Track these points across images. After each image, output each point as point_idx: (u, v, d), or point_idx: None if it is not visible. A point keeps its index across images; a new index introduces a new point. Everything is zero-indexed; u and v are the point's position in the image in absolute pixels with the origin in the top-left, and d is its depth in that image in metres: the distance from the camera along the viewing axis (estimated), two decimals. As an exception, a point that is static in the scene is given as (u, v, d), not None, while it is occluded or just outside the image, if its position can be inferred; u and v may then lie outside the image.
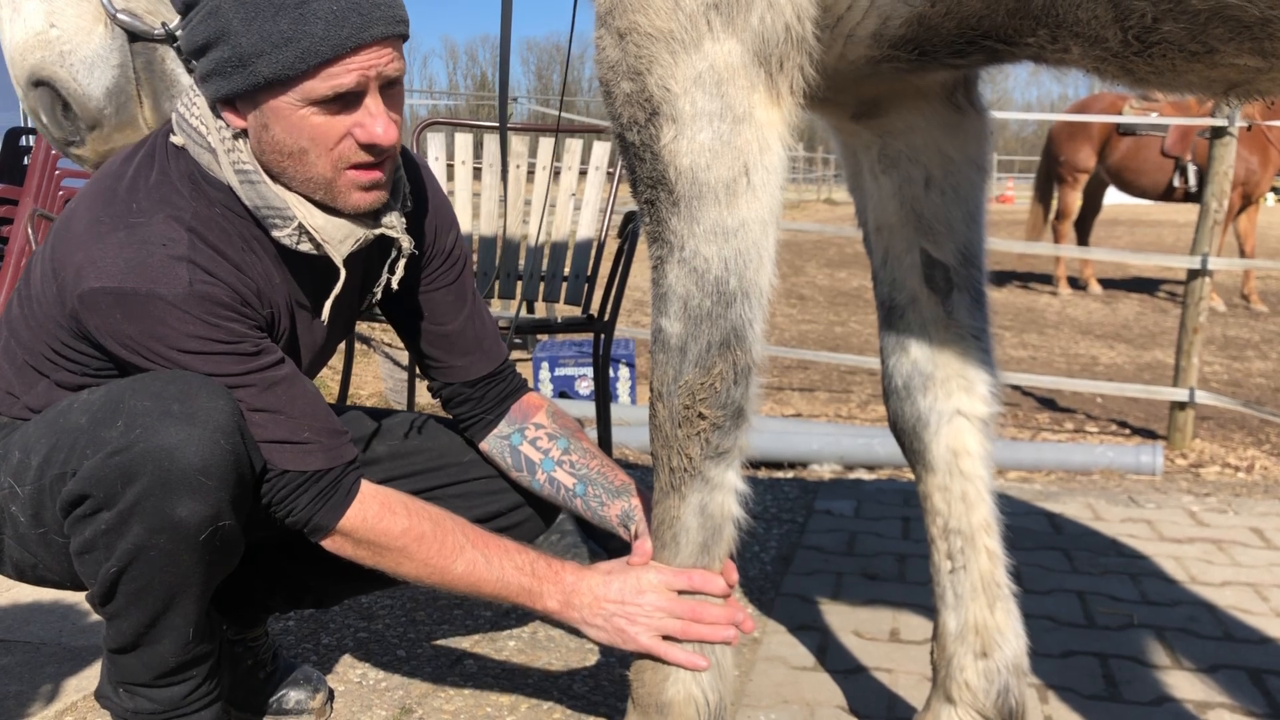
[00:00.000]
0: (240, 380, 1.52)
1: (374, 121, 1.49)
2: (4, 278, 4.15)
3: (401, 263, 1.67)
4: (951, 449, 1.78)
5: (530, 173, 3.67)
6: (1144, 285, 11.37)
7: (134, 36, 1.74)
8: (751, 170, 1.50)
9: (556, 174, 3.58)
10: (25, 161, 4.92)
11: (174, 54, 1.76)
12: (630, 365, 5.77)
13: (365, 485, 1.61)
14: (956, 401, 1.79)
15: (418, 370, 1.97)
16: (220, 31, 1.44)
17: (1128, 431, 5.37)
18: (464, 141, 3.62)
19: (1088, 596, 2.73)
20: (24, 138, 5.02)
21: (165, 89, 1.80)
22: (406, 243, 1.65)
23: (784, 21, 1.45)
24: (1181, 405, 4.88)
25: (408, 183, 1.71)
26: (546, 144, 3.61)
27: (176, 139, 1.58)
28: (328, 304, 1.64)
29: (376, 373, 6.11)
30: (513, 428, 1.89)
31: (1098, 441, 5.10)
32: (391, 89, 1.53)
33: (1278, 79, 1.30)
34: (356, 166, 1.53)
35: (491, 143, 3.81)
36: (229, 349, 1.51)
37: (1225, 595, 2.74)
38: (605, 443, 3.35)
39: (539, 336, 5.86)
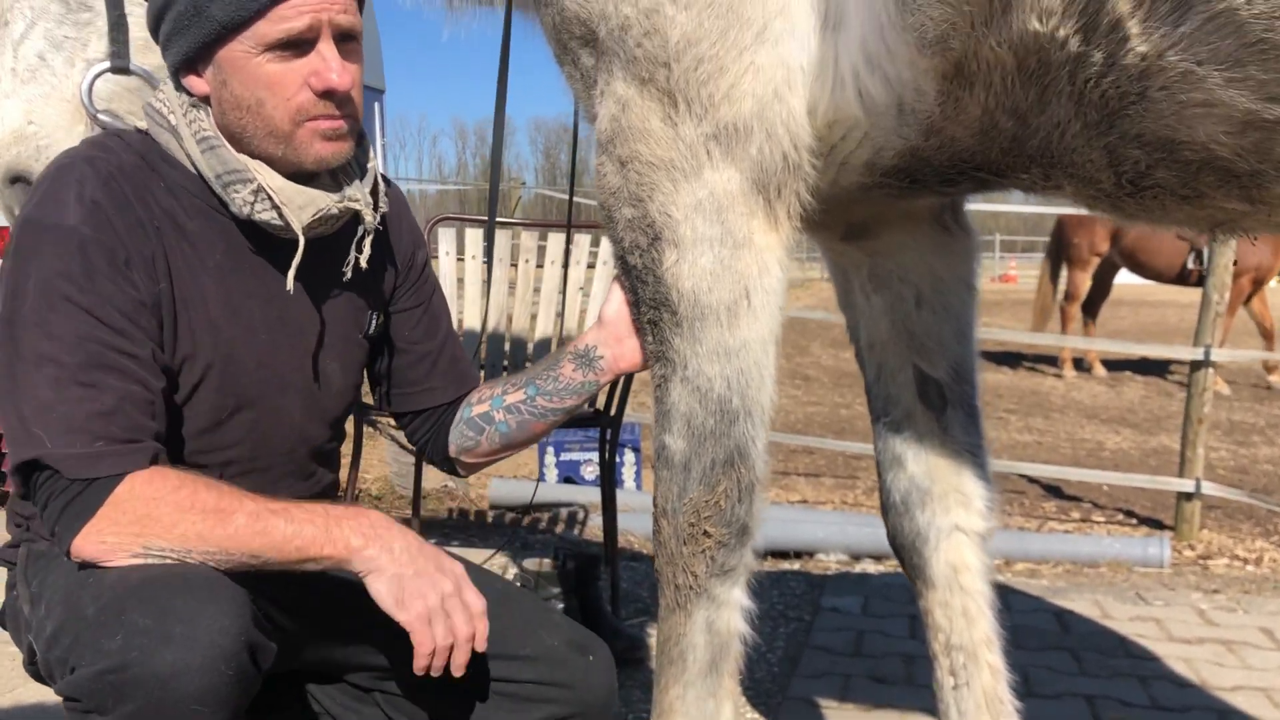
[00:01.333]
0: (67, 344, 1.40)
1: (328, 68, 1.48)
2: None
3: (368, 240, 1.61)
4: (951, 564, 1.80)
5: (539, 266, 3.72)
6: (1149, 367, 11.39)
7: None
8: (752, 293, 1.54)
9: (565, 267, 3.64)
10: None
11: None
12: (635, 450, 5.77)
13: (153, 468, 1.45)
14: (955, 517, 1.81)
15: (388, 408, 1.90)
16: None
17: (1134, 521, 5.35)
18: (474, 236, 3.68)
19: (1097, 701, 2.71)
20: None
21: None
22: (370, 217, 1.60)
23: (781, 151, 1.50)
24: (1188, 496, 4.87)
25: (384, 185, 1.68)
26: (556, 236, 3.67)
27: (141, 124, 1.59)
28: (290, 274, 1.54)
29: (382, 456, 6.12)
30: (484, 408, 1.83)
31: (1105, 532, 5.07)
32: (348, 43, 1.52)
33: (1262, 220, 1.34)
34: (317, 117, 1.50)
35: (502, 236, 3.87)
36: (87, 305, 1.41)
37: (1237, 699, 2.72)
38: (611, 532, 3.36)
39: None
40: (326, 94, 1.49)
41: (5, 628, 1.65)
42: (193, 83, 1.53)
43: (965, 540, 1.81)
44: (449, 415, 1.84)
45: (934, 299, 1.80)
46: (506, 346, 3.58)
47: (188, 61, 1.51)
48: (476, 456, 1.84)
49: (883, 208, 1.74)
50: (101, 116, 1.74)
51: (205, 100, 1.53)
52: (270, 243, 1.57)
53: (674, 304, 1.55)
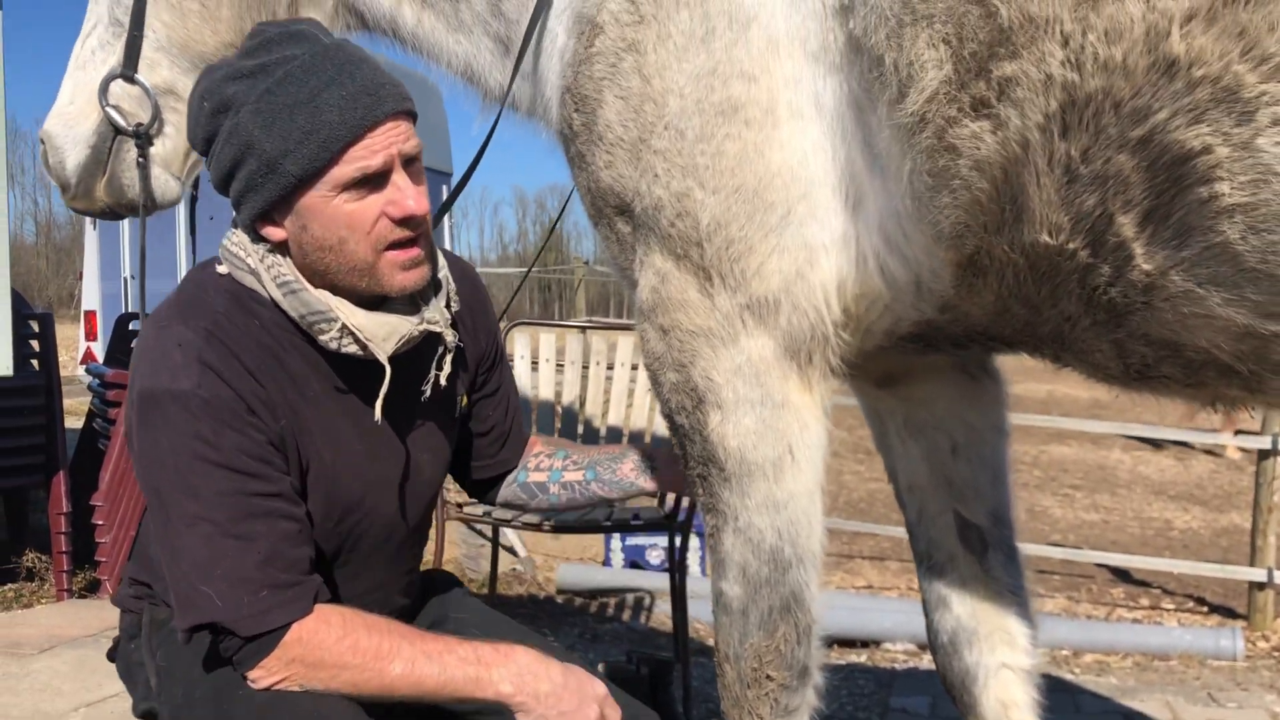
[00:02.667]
0: (213, 502, 1.49)
1: (404, 196, 1.54)
2: (110, 460, 4.40)
3: (449, 358, 1.68)
4: (1001, 701, 1.88)
5: (610, 368, 3.86)
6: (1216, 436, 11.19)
7: (116, 128, 2.05)
8: (795, 449, 1.66)
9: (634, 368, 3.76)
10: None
11: (138, 147, 2.08)
12: (700, 535, 5.85)
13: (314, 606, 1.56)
14: (1001, 655, 1.90)
15: (462, 480, 2.06)
16: (244, 146, 1.51)
17: (1206, 609, 5.29)
18: (548, 340, 3.83)
19: (1167, 813, 2.72)
20: (132, 323, 5.33)
21: (124, 171, 2.11)
22: (450, 336, 1.67)
23: (809, 322, 1.63)
24: (1260, 585, 4.82)
25: (453, 284, 1.74)
26: (626, 340, 3.81)
27: (221, 269, 1.64)
28: (378, 404, 1.60)
29: (451, 538, 6.26)
30: (516, 470, 2.01)
31: (1175, 620, 5.03)
32: (412, 166, 1.59)
33: (1262, 403, 1.44)
34: (394, 246, 1.56)
35: (573, 339, 4.01)
36: (221, 460, 1.50)
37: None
38: (682, 632, 3.44)
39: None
40: (404, 221, 1.56)
41: (116, 665, 1.83)
42: (270, 232, 1.58)
43: (1012, 677, 1.90)
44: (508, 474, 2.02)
45: (969, 448, 1.91)
46: (579, 436, 3.71)
47: (264, 214, 1.57)
48: (517, 510, 2.05)
49: (907, 360, 1.86)
50: (109, 110, 2.04)
51: (280, 247, 1.60)
52: (358, 365, 1.64)
53: (721, 461, 1.67)
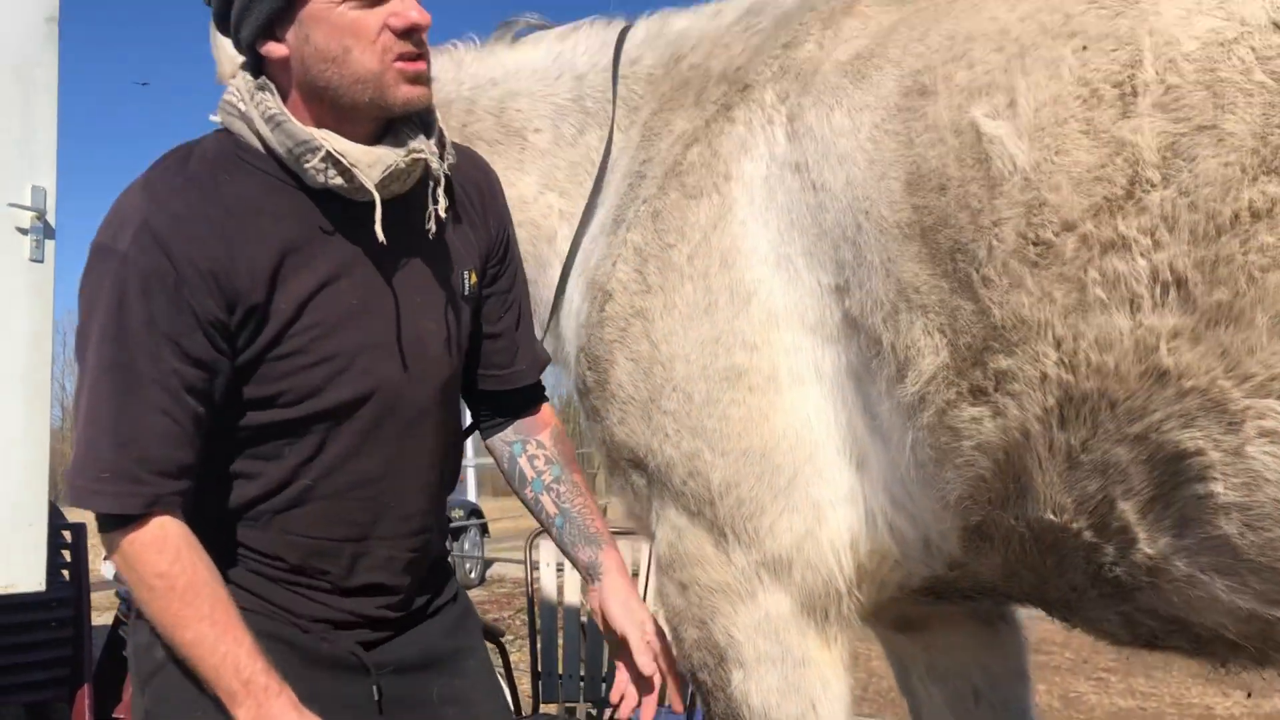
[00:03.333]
0: (113, 369, 1.48)
1: (407, 7, 1.52)
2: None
3: (442, 194, 1.61)
4: None
5: (634, 575, 3.87)
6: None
7: None
8: (818, 705, 1.69)
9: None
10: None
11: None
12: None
13: (157, 520, 1.50)
14: None
15: (477, 391, 1.89)
16: None
17: (1253, 808, 5.09)
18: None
19: None
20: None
21: None
22: (436, 163, 1.60)
23: (823, 578, 1.68)
24: (1307, 785, 4.66)
25: (451, 148, 1.68)
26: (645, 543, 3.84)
27: (215, 118, 1.63)
28: (377, 225, 1.54)
29: None
30: (518, 437, 1.88)
31: (1222, 823, 4.84)
32: None
33: (1271, 669, 1.48)
34: (401, 58, 1.53)
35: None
36: (129, 330, 1.48)
37: None
38: None
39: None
40: (408, 31, 1.52)
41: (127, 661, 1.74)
42: (271, 49, 1.55)
43: None
44: (512, 403, 1.87)
45: (991, 694, 1.93)
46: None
47: (267, 26, 1.54)
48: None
49: (923, 608, 1.90)
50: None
51: (279, 69, 1.57)
52: (352, 210, 1.58)
53: (745, 719, 1.69)
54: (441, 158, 1.63)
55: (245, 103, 1.57)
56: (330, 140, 1.53)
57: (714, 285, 1.77)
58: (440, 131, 1.66)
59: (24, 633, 4.52)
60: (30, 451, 4.23)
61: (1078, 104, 1.33)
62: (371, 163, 1.55)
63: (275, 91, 1.57)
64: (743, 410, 1.71)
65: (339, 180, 1.54)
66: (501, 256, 1.84)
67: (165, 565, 1.48)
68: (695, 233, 1.81)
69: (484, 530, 12.90)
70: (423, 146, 1.59)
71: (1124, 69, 1.29)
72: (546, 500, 1.85)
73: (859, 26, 1.79)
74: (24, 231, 4.27)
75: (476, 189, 1.81)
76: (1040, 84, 1.36)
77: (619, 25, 2.32)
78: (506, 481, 1.91)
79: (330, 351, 1.58)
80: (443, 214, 1.63)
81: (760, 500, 1.70)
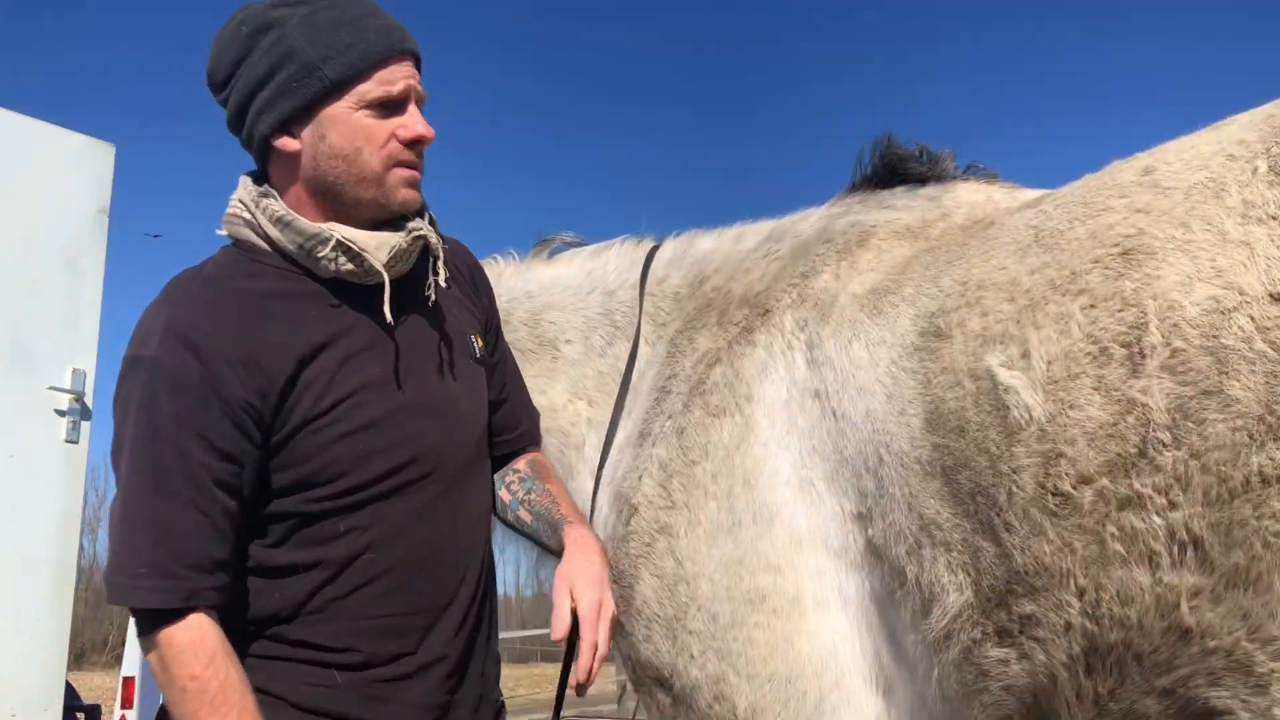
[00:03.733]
0: (148, 469, 1.54)
1: (415, 122, 1.70)
2: None
3: (442, 266, 1.76)
4: None
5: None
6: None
7: None
8: None
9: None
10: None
11: None
12: None
13: (195, 620, 1.54)
14: None
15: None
16: (285, 54, 1.66)
17: None
18: None
19: None
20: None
21: None
22: (435, 238, 1.75)
23: None
24: None
25: (465, 261, 1.93)
26: None
27: (221, 232, 1.75)
28: (386, 303, 1.65)
29: None
30: (500, 475, 1.99)
31: None
32: (419, 105, 1.75)
33: None
34: (401, 165, 1.69)
35: None
36: (161, 430, 1.55)
37: None
38: None
39: None
40: (413, 143, 1.71)
41: None
42: (286, 143, 1.69)
43: None
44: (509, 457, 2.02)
45: None
46: None
47: (285, 123, 1.68)
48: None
49: None
50: None
51: (285, 165, 1.70)
52: (362, 295, 1.70)
53: None
54: (437, 235, 1.78)
55: (251, 210, 1.70)
56: (338, 230, 1.67)
57: (737, 505, 1.81)
58: (430, 215, 1.81)
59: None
60: (52, 630, 4.25)
61: (1088, 360, 1.39)
62: (378, 245, 1.69)
63: (278, 195, 1.71)
64: (767, 634, 1.73)
65: (349, 265, 1.68)
66: (495, 329, 2.00)
67: (199, 668, 1.51)
68: (719, 451, 1.86)
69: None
70: (421, 225, 1.74)
71: (1131, 330, 1.36)
72: (523, 513, 1.95)
73: (873, 260, 1.88)
74: (62, 413, 4.39)
75: (466, 266, 1.97)
76: (1052, 338, 1.43)
77: (648, 245, 2.44)
78: (498, 518, 2.00)
79: (366, 419, 1.66)
80: (443, 283, 1.77)
81: None
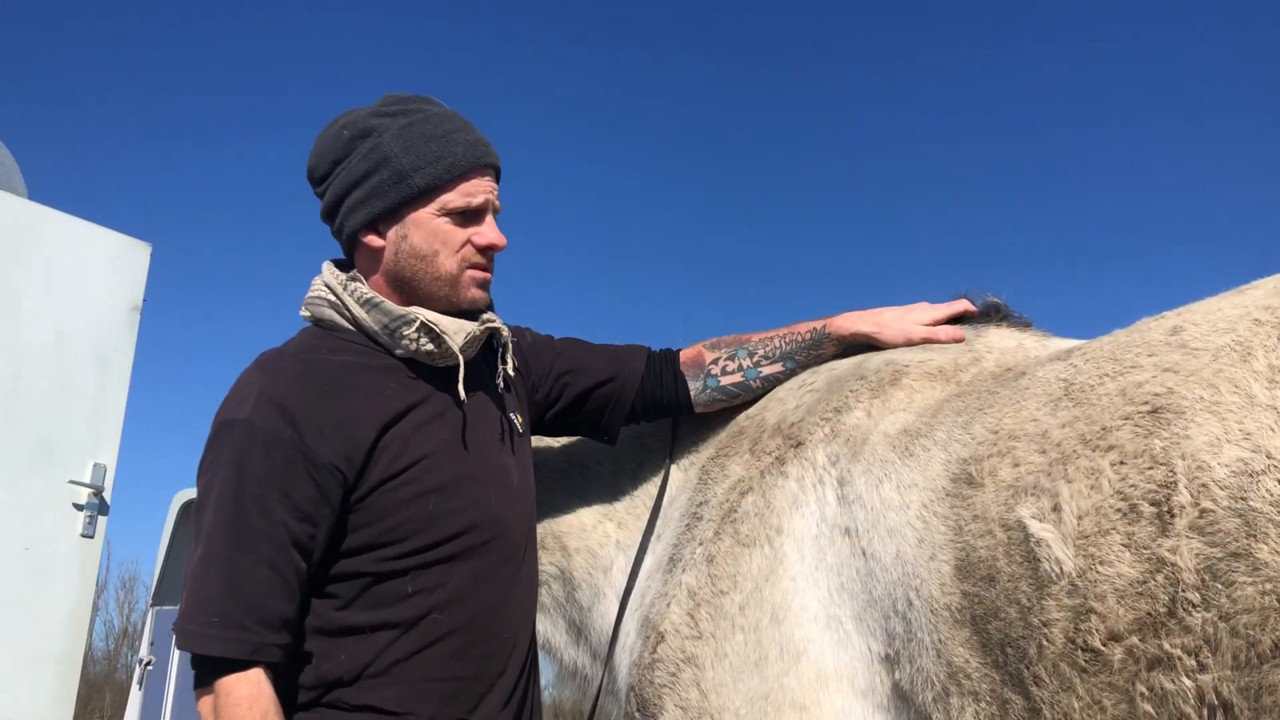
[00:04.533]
0: (229, 525, 1.63)
1: (490, 231, 1.88)
2: None
3: (510, 355, 1.96)
4: None
5: None
6: None
7: None
8: None
9: None
10: None
11: None
12: None
13: (256, 675, 1.62)
14: None
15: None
16: (381, 159, 1.82)
17: None
18: None
19: None
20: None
21: None
22: (505, 330, 1.94)
23: None
24: None
25: (522, 343, 2.11)
26: None
27: (304, 313, 1.90)
28: (460, 385, 1.82)
29: None
30: (702, 376, 2.22)
31: None
32: (494, 218, 1.91)
33: None
34: (474, 267, 1.87)
35: None
36: (246, 489, 1.64)
37: None
38: None
39: None
40: (486, 249, 1.88)
41: None
42: (372, 240, 1.87)
43: None
44: (660, 375, 2.22)
45: None
46: None
47: (373, 221, 1.86)
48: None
49: None
50: None
51: (368, 257, 1.89)
52: (432, 374, 1.86)
53: None
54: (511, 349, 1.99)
55: (337, 292, 1.87)
56: (423, 314, 1.84)
57: (764, 639, 1.82)
58: (502, 329, 1.98)
59: None
60: (54, 725, 4.20)
61: (1118, 517, 1.42)
62: (456, 330, 1.86)
63: (364, 280, 1.89)
64: None
65: (430, 346, 1.84)
66: (549, 369, 2.19)
67: None
68: (747, 582, 1.88)
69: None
70: (494, 318, 1.94)
71: (1160, 488, 1.39)
72: (766, 369, 2.22)
73: (905, 400, 1.92)
74: (80, 508, 4.42)
75: (516, 339, 2.12)
76: (1082, 493, 1.46)
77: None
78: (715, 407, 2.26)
79: (437, 482, 1.79)
80: (512, 372, 1.98)
81: None
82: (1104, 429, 1.50)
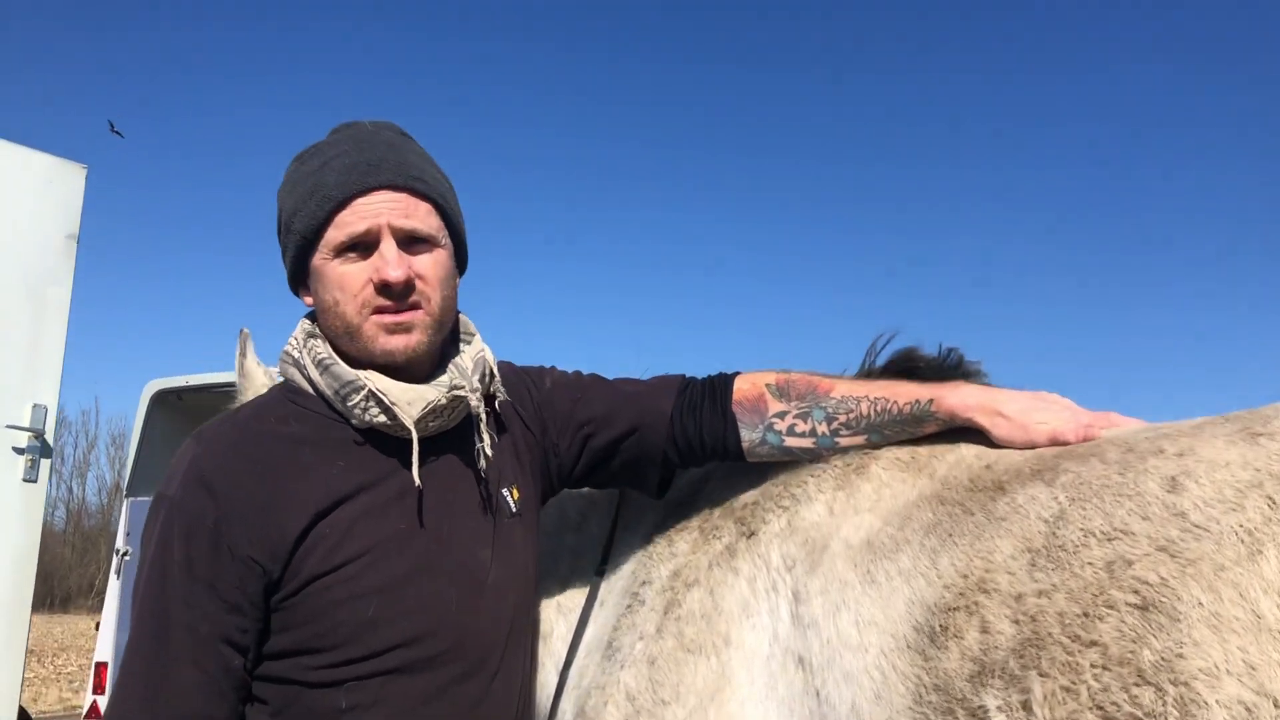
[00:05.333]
0: (152, 627, 1.51)
1: (385, 264, 1.57)
2: None
3: (487, 435, 1.67)
4: None
5: None
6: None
7: None
8: None
9: None
10: None
11: None
12: None
13: None
14: None
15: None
16: (279, 210, 1.67)
17: None
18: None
19: None
20: None
21: None
22: (475, 401, 1.65)
23: None
24: None
25: (498, 373, 1.75)
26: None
27: (273, 370, 1.75)
28: (414, 463, 1.57)
29: None
30: (761, 427, 1.80)
31: None
32: (419, 245, 1.62)
33: None
34: (379, 310, 1.59)
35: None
36: (170, 575, 1.51)
37: None
38: None
39: None
40: (384, 288, 1.58)
41: None
42: (304, 296, 1.71)
43: None
44: (699, 411, 1.84)
45: None
46: None
47: (294, 277, 1.70)
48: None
49: None
50: None
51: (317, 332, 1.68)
52: (400, 449, 1.61)
53: None
54: (488, 393, 1.70)
55: (299, 350, 1.65)
56: (373, 380, 1.59)
57: None
58: (486, 365, 1.71)
59: None
60: (5, 665, 4.13)
61: (1096, 738, 1.25)
62: (411, 400, 1.60)
63: (324, 338, 1.65)
64: None
65: (382, 418, 1.59)
66: (569, 419, 1.86)
67: None
68: (691, 697, 1.73)
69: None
70: (463, 383, 1.64)
71: (1147, 717, 1.22)
72: (845, 440, 1.78)
73: (872, 496, 1.73)
74: (20, 451, 4.24)
75: (528, 399, 1.85)
76: (1057, 696, 1.28)
77: None
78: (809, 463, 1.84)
79: (379, 582, 1.55)
80: (489, 451, 1.67)
81: None
82: (1086, 615, 1.31)
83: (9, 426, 4.19)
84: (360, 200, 1.58)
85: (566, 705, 1.97)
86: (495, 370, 1.74)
